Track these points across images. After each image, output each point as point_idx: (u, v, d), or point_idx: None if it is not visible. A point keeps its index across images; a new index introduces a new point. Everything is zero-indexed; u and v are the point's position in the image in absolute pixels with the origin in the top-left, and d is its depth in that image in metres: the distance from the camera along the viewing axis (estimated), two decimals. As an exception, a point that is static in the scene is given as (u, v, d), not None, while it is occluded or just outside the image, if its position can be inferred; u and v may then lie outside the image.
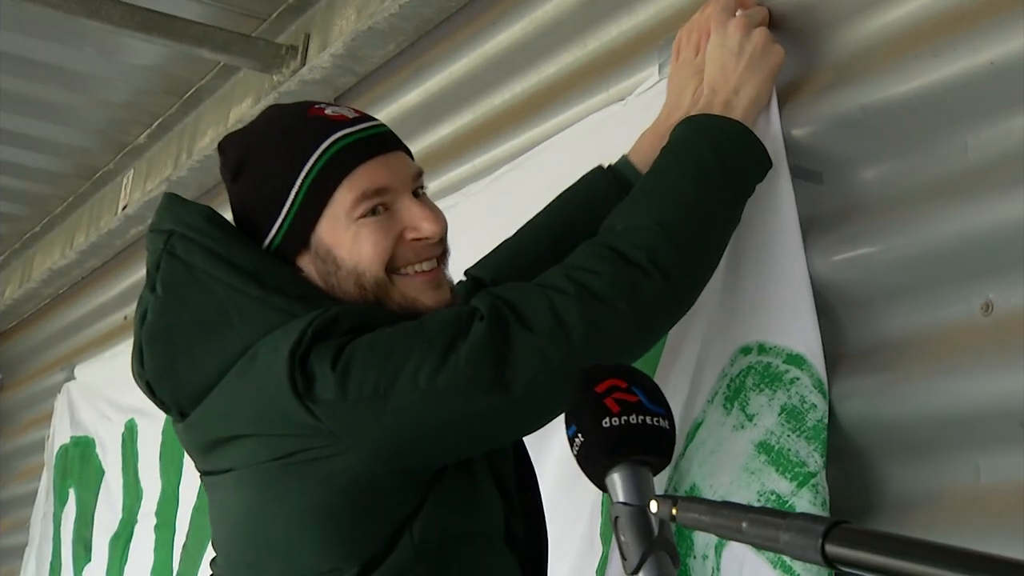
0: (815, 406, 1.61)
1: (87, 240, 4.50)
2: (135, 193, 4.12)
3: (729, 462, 1.67)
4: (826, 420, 1.61)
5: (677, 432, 1.16)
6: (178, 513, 3.62)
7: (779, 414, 1.64)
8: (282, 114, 1.66)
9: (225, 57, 3.12)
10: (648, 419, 1.13)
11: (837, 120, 1.71)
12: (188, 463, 3.60)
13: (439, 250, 1.62)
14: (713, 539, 1.67)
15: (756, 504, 1.62)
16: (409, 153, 1.66)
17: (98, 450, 4.31)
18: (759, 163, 1.67)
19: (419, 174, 1.63)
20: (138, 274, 4.36)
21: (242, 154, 1.63)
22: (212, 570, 1.68)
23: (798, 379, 1.64)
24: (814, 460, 1.58)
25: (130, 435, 4.08)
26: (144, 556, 3.76)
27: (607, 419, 1.12)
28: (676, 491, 1.75)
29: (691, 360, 1.81)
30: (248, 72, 3.34)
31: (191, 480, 3.57)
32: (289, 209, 1.57)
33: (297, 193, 1.56)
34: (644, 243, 1.53)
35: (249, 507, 1.56)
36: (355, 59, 2.87)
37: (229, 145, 1.66)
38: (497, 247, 1.96)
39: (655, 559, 1.07)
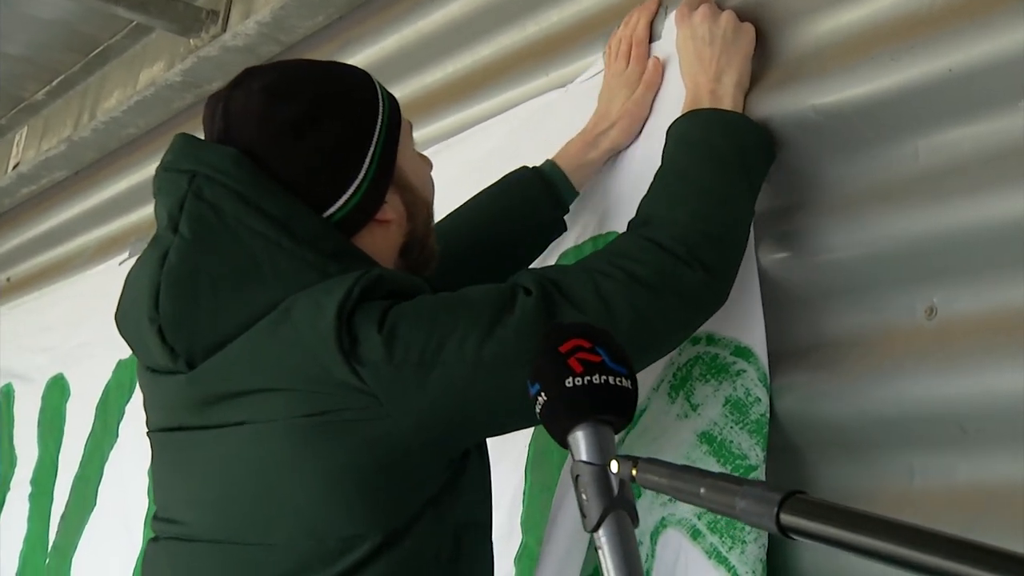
0: (759, 400, 1.63)
1: (-29, 197, 4.34)
2: (29, 151, 3.99)
3: (670, 451, 1.67)
4: (768, 415, 1.62)
5: None
6: (57, 482, 3.51)
7: (723, 405, 1.65)
8: (304, 65, 1.70)
9: (142, 17, 3.03)
10: (611, 379, 1.14)
11: (788, 119, 1.71)
12: (69, 431, 3.52)
13: None
14: (649, 526, 1.67)
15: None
16: None
17: (-31, 414, 4.17)
18: (768, 150, 1.69)
19: None
20: (26, 235, 4.24)
21: (314, 104, 1.56)
22: (160, 530, 1.61)
23: (744, 372, 1.65)
24: (755, 453, 1.59)
25: (6, 400, 3.95)
26: (17, 525, 3.63)
27: (570, 379, 1.13)
28: None
29: None
30: (161, 34, 3.24)
31: (72, 448, 3.47)
32: (375, 138, 1.58)
33: (381, 120, 1.59)
34: (684, 236, 1.54)
35: (265, 463, 1.49)
36: (281, 28, 2.81)
37: (288, 99, 1.56)
38: None
39: (615, 517, 1.09)
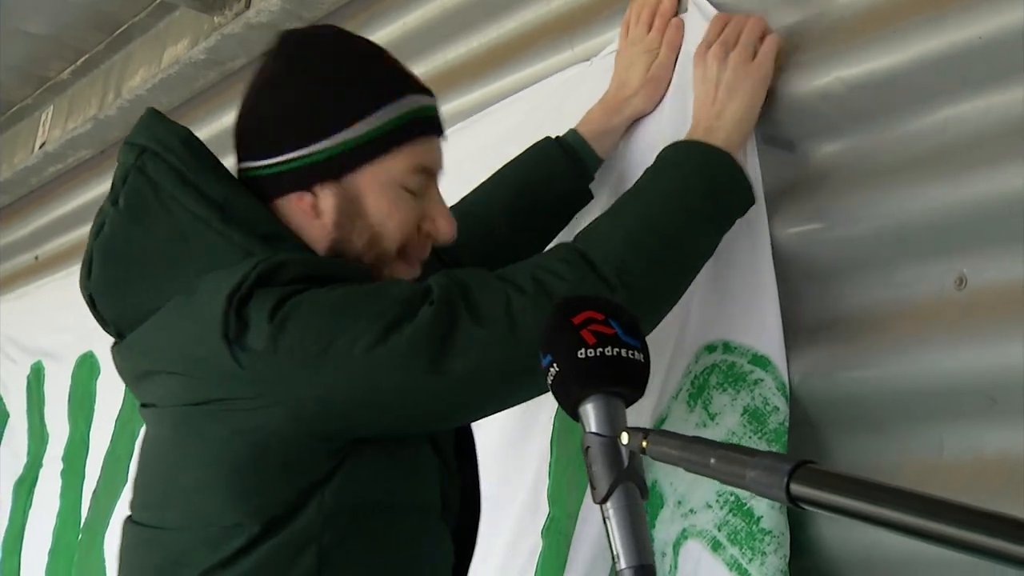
0: (777, 409, 1.61)
1: (-2, 176, 4.36)
2: (55, 131, 3.99)
3: None
4: (787, 424, 1.60)
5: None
6: (88, 459, 3.54)
7: (741, 415, 1.63)
8: (369, 45, 1.62)
9: (165, -6, 3.04)
10: (623, 351, 1.13)
11: (814, 91, 1.70)
12: (99, 408, 3.55)
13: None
14: (672, 537, 1.65)
15: (716, 504, 1.61)
16: None
17: (1, 392, 4.21)
18: (742, 195, 1.64)
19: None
20: (53, 214, 4.26)
21: (322, 54, 1.56)
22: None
23: (762, 380, 1.63)
24: None
25: (36, 378, 3.99)
26: (50, 501, 3.67)
27: (582, 350, 1.13)
28: None
29: (661, 356, 1.77)
30: (185, 11, 3.25)
31: (103, 425, 3.50)
32: (347, 135, 1.52)
33: (368, 126, 1.52)
34: (616, 257, 1.49)
35: (163, 447, 1.53)
36: (304, 5, 2.79)
37: (303, 38, 1.59)
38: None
39: (623, 489, 1.08)
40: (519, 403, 1.57)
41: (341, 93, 1.54)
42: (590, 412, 1.12)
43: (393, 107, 1.54)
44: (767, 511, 1.56)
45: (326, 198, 1.54)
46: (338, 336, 1.40)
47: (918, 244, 1.58)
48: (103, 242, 1.54)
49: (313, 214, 1.55)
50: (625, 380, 1.13)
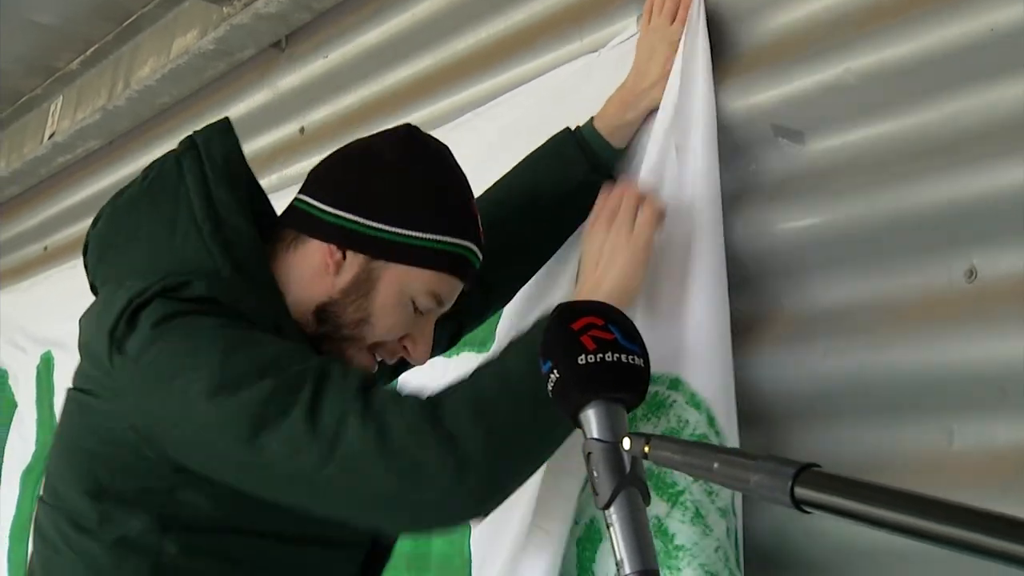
0: (688, 422, 1.62)
1: (8, 166, 4.37)
2: (64, 121, 4.00)
3: None
4: (702, 430, 1.60)
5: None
6: (97, 449, 3.54)
7: None
8: (468, 187, 1.68)
9: (174, -15, 3.04)
10: (623, 357, 1.14)
11: (824, 82, 1.70)
12: (109, 399, 3.54)
13: None
14: (612, 569, 1.63)
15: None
16: None
17: (11, 382, 4.21)
18: None
19: None
20: (61, 205, 4.27)
21: (433, 163, 1.65)
22: None
23: (675, 401, 1.64)
24: (683, 476, 1.57)
25: (46, 368, 3.98)
26: (59, 491, 3.67)
27: (583, 356, 1.13)
28: (576, 523, 1.72)
29: None
30: (194, 2, 3.25)
31: (112, 416, 3.49)
32: (408, 233, 1.59)
33: (428, 238, 1.59)
34: (461, 422, 1.37)
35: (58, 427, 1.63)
36: (312, -5, 2.81)
37: (426, 140, 1.68)
38: None
39: (626, 495, 1.08)
40: (350, 519, 1.48)
41: (424, 200, 1.61)
42: (591, 418, 1.12)
43: (455, 240, 1.62)
44: (679, 527, 1.57)
45: (352, 265, 1.60)
46: (188, 371, 1.42)
47: (928, 236, 1.58)
48: (117, 204, 1.65)
49: (333, 270, 1.60)
50: (626, 385, 1.14)
